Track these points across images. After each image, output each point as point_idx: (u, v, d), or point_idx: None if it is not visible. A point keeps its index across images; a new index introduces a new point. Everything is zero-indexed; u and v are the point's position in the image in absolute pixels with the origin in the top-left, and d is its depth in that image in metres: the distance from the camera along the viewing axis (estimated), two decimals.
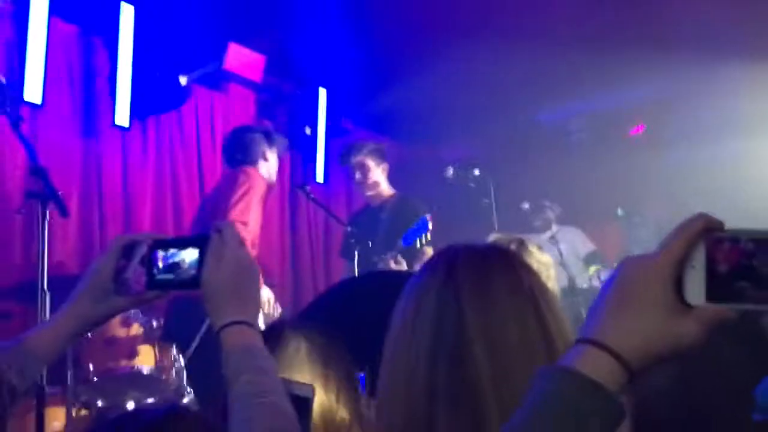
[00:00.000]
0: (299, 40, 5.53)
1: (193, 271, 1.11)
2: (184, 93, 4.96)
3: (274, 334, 1.28)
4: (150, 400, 3.46)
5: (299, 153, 6.15)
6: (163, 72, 4.78)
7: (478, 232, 5.24)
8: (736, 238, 0.66)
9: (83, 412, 3.45)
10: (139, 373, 3.49)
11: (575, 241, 5.42)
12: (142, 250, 1.15)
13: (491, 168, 4.78)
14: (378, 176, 4.19)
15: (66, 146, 4.49)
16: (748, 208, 4.92)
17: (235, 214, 3.17)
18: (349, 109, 6.43)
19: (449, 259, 0.94)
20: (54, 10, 4.20)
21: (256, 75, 5.57)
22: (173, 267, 1.12)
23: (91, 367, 3.43)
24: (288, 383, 1.11)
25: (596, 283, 5.27)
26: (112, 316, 1.19)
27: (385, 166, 4.23)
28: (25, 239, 4.06)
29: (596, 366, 0.65)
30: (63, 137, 4.48)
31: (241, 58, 5.40)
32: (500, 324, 0.87)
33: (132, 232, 4.74)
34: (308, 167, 6.15)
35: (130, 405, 3.46)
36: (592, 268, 5.26)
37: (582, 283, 4.80)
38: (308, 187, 4.13)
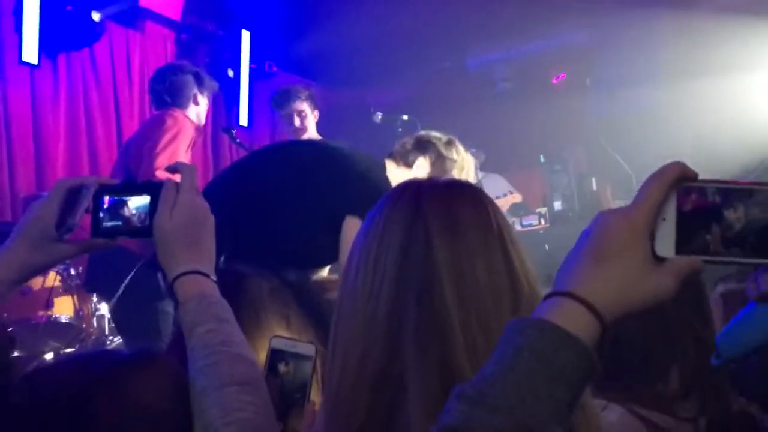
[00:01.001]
0: None
1: (143, 218, 1.06)
2: (97, 29, 4.70)
3: (231, 281, 1.22)
4: (69, 350, 3.35)
5: (222, 96, 5.97)
6: (75, 6, 4.50)
7: None
8: (704, 188, 0.65)
9: None
10: (57, 322, 3.36)
11: (499, 189, 5.50)
12: (88, 194, 1.07)
13: (417, 113, 4.75)
14: (311, 123, 4.12)
15: None
16: (667, 155, 5.10)
17: (162, 159, 3.03)
18: (273, 52, 6.25)
19: (414, 193, 0.91)
20: None
21: (176, 13, 5.34)
22: (122, 213, 1.07)
23: (4, 316, 3.28)
24: (291, 342, 1.10)
25: (518, 228, 5.38)
26: (55, 263, 1.13)
27: (317, 113, 4.15)
28: None
29: (572, 319, 0.64)
30: None
31: None
32: (469, 260, 0.85)
33: (44, 176, 4.54)
34: (231, 110, 5.98)
35: (49, 355, 3.34)
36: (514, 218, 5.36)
37: None
38: (234, 131, 4.01)
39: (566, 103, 5.87)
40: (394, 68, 6.14)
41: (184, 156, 3.22)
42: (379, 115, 4.49)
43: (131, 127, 5.17)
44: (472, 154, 5.48)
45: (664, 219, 0.65)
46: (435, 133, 2.90)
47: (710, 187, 0.65)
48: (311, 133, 4.14)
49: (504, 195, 5.11)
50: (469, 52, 6.53)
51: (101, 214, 1.07)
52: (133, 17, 5.21)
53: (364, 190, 1.59)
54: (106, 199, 1.08)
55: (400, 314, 0.84)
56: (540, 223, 5.36)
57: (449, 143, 2.85)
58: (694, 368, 1.27)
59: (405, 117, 4.31)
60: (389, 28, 5.72)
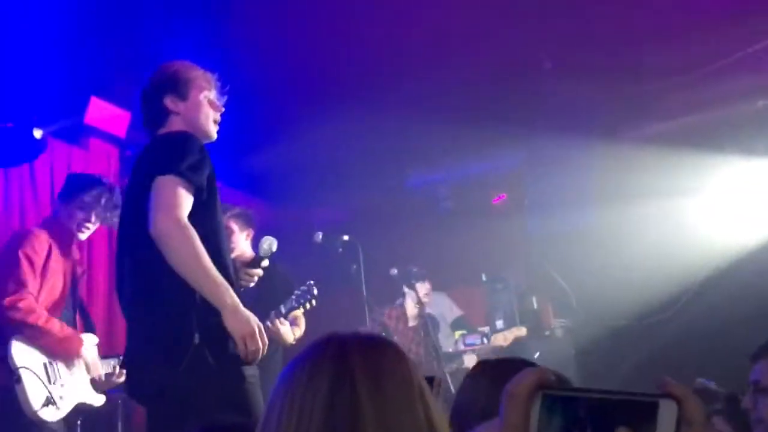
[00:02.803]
0: None
1: None
2: (38, 146, 4.68)
3: None
4: None
5: None
6: (15, 123, 4.49)
7: (346, 297, 5.23)
8: (565, 396, 0.61)
9: None
10: None
11: (442, 306, 5.52)
12: None
13: (361, 232, 4.80)
14: (242, 241, 4.10)
15: None
16: (600, 273, 5.21)
17: None
18: (219, 168, 6.27)
19: (339, 345, 0.93)
20: None
21: (121, 130, 5.35)
22: None
23: None
24: None
25: (461, 347, 5.36)
26: None
27: (249, 231, 4.14)
28: None
29: None
30: None
31: (104, 113, 5.17)
32: (394, 415, 0.87)
33: None
34: None
35: None
36: (458, 333, 5.36)
37: (447, 347, 4.87)
38: None
39: (506, 222, 6.01)
40: (337, 187, 6.23)
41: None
42: (320, 235, 4.52)
43: None
44: (414, 273, 5.54)
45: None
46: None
47: (570, 395, 0.61)
48: (242, 249, 4.12)
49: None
50: (411, 173, 6.69)
51: None
52: (76, 134, 5.22)
53: None
54: None
55: None
56: (483, 342, 5.36)
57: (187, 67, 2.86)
58: None
59: (345, 237, 4.35)
60: (334, 148, 5.85)
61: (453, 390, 3.88)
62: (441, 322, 5.32)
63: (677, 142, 5.27)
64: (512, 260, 5.95)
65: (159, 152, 2.44)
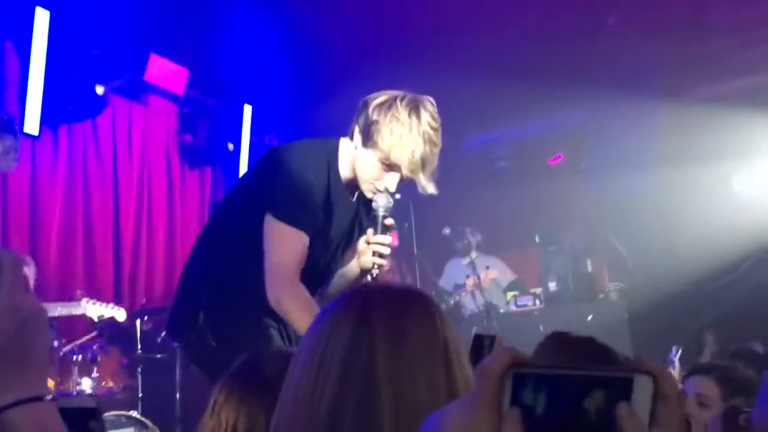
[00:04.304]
0: (225, 55, 5.44)
1: None
2: (100, 102, 4.79)
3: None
4: None
5: (221, 169, 6.03)
6: (79, 80, 4.60)
7: (398, 254, 5.26)
8: (536, 374, 0.59)
9: None
10: None
11: (496, 270, 5.50)
12: None
13: (413, 192, 4.78)
14: None
15: None
16: (658, 237, 5.10)
17: None
18: (273, 126, 6.35)
19: (363, 299, 0.91)
20: None
21: (179, 88, 5.44)
22: None
23: None
24: (66, 399, 1.00)
25: (513, 308, 5.35)
26: None
27: None
28: None
29: None
30: None
31: (163, 70, 5.26)
32: (411, 375, 0.86)
33: (38, 248, 4.54)
34: (230, 183, 6.04)
35: None
36: (510, 294, 5.34)
37: (499, 308, 4.85)
38: None
39: (562, 183, 5.92)
40: None
41: None
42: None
43: (129, 197, 5.22)
44: (467, 234, 5.52)
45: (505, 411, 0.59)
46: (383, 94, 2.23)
47: (543, 373, 0.59)
48: None
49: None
50: (466, 132, 6.62)
51: None
52: (136, 91, 5.32)
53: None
54: None
55: (338, 422, 0.85)
56: (535, 303, 5.33)
57: (387, 104, 2.15)
58: None
59: (397, 196, 4.33)
60: None
61: None
62: (492, 285, 5.30)
63: (744, 102, 5.08)
64: (567, 222, 5.87)
65: None
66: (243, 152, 6.00)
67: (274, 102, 6.16)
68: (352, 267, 2.28)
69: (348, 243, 2.34)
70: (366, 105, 2.16)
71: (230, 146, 5.87)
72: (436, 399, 0.85)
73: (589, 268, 5.31)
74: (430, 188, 2.18)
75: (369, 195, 2.20)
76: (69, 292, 4.52)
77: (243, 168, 5.99)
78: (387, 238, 2.21)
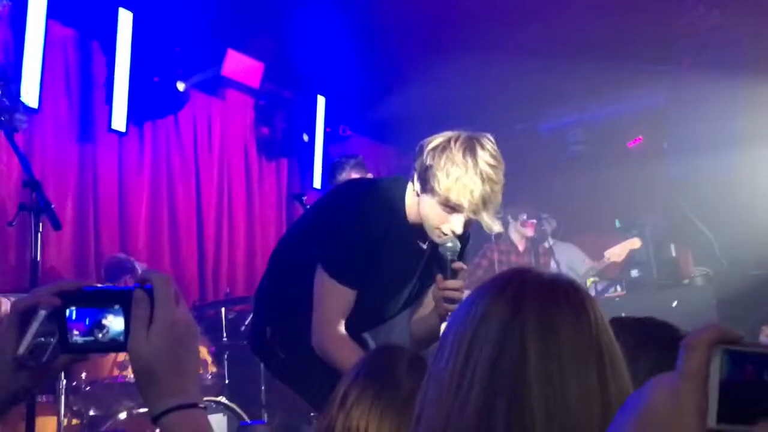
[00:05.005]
0: (298, 47, 5.51)
1: (117, 332, 0.93)
2: (181, 98, 4.93)
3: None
4: (141, 411, 3.42)
5: (297, 160, 6.13)
6: (161, 77, 4.75)
7: (476, 241, 5.22)
8: (745, 352, 0.61)
9: (75, 421, 3.41)
10: (131, 383, 3.45)
11: (571, 258, 5.40)
12: (40, 317, 0.93)
13: None
14: None
15: (62, 150, 4.47)
16: (746, 220, 4.90)
17: None
18: (347, 116, 6.41)
19: (517, 289, 0.87)
20: (52, 13, 4.18)
21: (255, 81, 5.55)
22: (91, 327, 0.93)
23: (83, 375, 3.40)
24: None
25: (592, 293, 5.24)
26: (18, 395, 0.97)
27: (369, 175, 4.20)
28: (19, 248, 4.02)
29: None
30: (59, 141, 4.46)
31: (240, 65, 5.37)
32: (562, 381, 0.82)
33: (127, 238, 4.72)
34: (306, 174, 6.13)
35: (122, 415, 3.42)
36: (590, 280, 5.24)
37: None
38: (305, 197, 4.10)
39: (642, 167, 5.75)
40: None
41: None
42: None
43: (210, 190, 5.37)
44: (543, 220, 5.44)
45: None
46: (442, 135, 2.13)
47: (752, 351, 0.61)
48: None
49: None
50: (542, 116, 6.51)
51: (68, 329, 0.93)
52: (215, 86, 5.46)
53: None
54: (73, 311, 0.93)
55: (489, 418, 0.82)
56: (616, 290, 5.22)
57: (441, 147, 2.07)
58: None
59: None
60: (462, 93, 5.78)
61: None
62: (570, 273, 5.21)
63: None
64: (648, 206, 5.71)
65: None
66: (318, 143, 6.08)
67: (346, 93, 6.21)
68: (432, 315, 2.26)
69: (420, 288, 2.35)
70: (421, 150, 2.12)
71: (305, 137, 5.96)
72: (587, 409, 0.81)
73: (673, 253, 5.15)
74: (496, 227, 2.12)
75: (437, 240, 2.16)
76: None
77: (318, 157, 6.07)
78: (457, 283, 2.15)
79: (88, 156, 4.61)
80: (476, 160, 2.03)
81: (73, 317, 0.93)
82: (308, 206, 4.06)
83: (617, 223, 5.37)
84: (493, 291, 0.88)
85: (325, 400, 1.42)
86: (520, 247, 5.36)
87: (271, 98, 5.86)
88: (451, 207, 2.06)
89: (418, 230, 2.20)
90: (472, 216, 2.07)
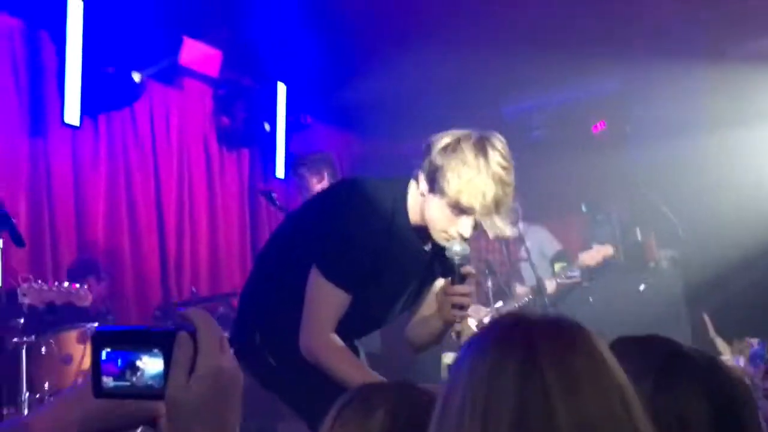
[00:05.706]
0: (257, 34, 5.37)
1: (155, 378, 0.84)
2: (137, 89, 4.76)
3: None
4: None
5: (258, 149, 6.00)
6: (115, 68, 4.57)
7: None
8: None
9: None
10: None
11: (542, 240, 5.39)
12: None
13: None
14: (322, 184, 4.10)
15: (13, 146, 4.27)
16: (707, 203, 4.97)
17: None
18: (308, 103, 6.29)
19: (525, 336, 0.82)
20: None
21: (213, 70, 5.39)
22: (126, 371, 0.85)
23: (46, 386, 3.26)
24: None
25: (560, 281, 5.25)
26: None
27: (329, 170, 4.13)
28: None
29: None
30: (9, 137, 4.26)
31: (197, 53, 5.21)
32: (592, 425, 0.77)
33: (85, 237, 4.55)
34: (268, 163, 6.00)
35: None
36: (558, 265, 5.25)
37: (549, 285, 4.75)
38: (274, 194, 3.99)
39: (607, 151, 5.78)
40: (429, 117, 6.10)
41: None
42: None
43: (170, 183, 5.21)
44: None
45: None
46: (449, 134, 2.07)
47: None
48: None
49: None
50: (505, 100, 6.49)
51: (102, 371, 0.85)
52: (172, 75, 5.28)
53: None
54: (107, 352, 0.85)
55: None
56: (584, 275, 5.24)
57: (451, 147, 2.01)
58: None
59: None
60: (425, 78, 5.72)
61: None
62: (539, 255, 5.20)
63: None
64: (612, 191, 5.75)
65: None
66: (279, 132, 5.95)
67: (307, 79, 6.09)
68: (434, 319, 2.17)
69: (419, 292, 2.26)
70: (429, 149, 2.04)
71: (267, 126, 5.82)
72: None
73: (639, 237, 5.20)
74: (508, 230, 2.06)
75: (442, 243, 2.09)
76: (118, 284, 4.54)
77: (280, 146, 5.94)
78: (466, 288, 2.07)
79: (40, 151, 4.42)
80: (488, 162, 1.97)
81: (106, 358, 0.85)
82: (278, 202, 3.97)
83: (584, 208, 5.39)
84: (499, 341, 0.83)
85: (320, 412, 1.34)
86: (490, 234, 5.33)
87: (230, 87, 5.70)
88: (460, 209, 1.99)
89: (421, 232, 2.12)
90: (482, 219, 2.00)
